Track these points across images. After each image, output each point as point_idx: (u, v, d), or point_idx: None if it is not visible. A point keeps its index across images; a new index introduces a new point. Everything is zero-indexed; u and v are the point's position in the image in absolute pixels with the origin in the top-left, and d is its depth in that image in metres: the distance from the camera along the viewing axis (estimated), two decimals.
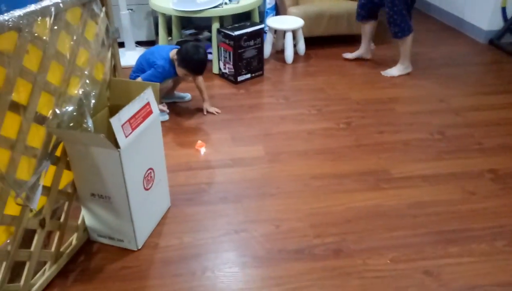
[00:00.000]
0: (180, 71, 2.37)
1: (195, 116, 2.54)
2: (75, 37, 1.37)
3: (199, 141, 1.96)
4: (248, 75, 2.98)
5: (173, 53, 2.39)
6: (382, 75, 3.05)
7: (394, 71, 3.11)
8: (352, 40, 3.58)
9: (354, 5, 3.45)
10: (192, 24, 3.77)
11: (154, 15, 3.48)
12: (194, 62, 2.33)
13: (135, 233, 1.55)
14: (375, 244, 1.64)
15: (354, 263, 1.56)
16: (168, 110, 2.46)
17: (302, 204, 1.84)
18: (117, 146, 1.35)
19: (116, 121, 1.33)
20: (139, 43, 3.45)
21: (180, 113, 2.58)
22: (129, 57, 3.23)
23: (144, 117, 1.49)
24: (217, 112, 2.57)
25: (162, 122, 2.46)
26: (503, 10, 3.50)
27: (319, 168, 2.08)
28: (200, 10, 2.84)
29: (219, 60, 2.99)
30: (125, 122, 1.38)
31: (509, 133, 2.35)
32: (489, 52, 3.46)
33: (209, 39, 3.39)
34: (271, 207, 1.82)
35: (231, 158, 2.15)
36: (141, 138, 1.48)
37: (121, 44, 3.36)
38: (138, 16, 3.42)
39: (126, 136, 1.39)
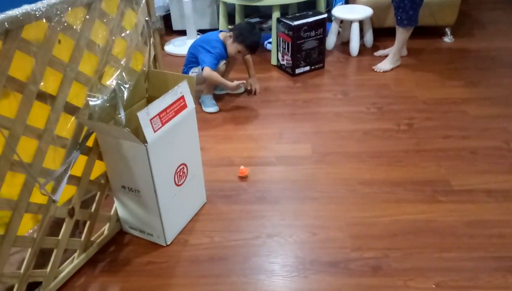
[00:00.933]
0: (233, 48, 2.38)
1: (245, 110, 2.47)
2: (111, 27, 1.36)
3: (242, 167, 1.89)
4: (307, 68, 2.83)
5: (223, 34, 2.43)
6: (456, 73, 2.73)
7: (386, 65, 2.82)
8: (429, 32, 3.26)
9: None
10: (257, 13, 3.68)
11: (217, 3, 3.44)
12: (250, 38, 2.35)
13: (164, 228, 1.52)
14: (420, 265, 1.45)
15: (394, 284, 1.39)
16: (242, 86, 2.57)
17: (345, 211, 1.70)
18: (145, 140, 1.32)
19: (144, 115, 1.30)
20: (202, 32, 3.45)
21: (230, 105, 2.52)
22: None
23: (177, 112, 1.44)
24: (257, 92, 2.61)
25: (211, 113, 2.43)
26: None
27: (370, 172, 1.90)
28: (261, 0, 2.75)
29: (277, 51, 2.88)
30: (155, 117, 1.34)
31: None
32: None
33: None
34: (310, 212, 1.70)
35: (276, 155, 2.05)
36: (173, 133, 1.44)
37: (183, 32, 3.39)
38: (202, 3, 3.41)
39: (155, 131, 1.35)
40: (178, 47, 3.26)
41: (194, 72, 2.45)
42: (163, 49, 3.30)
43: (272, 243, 1.58)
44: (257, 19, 3.62)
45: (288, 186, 1.85)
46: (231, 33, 2.38)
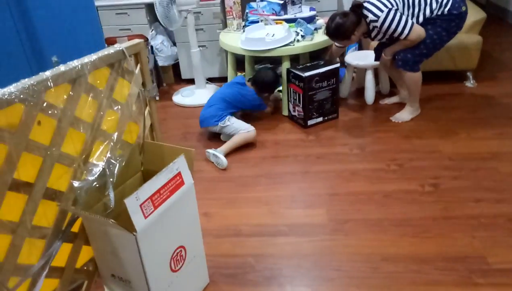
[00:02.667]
0: (261, 95, 2.69)
1: (254, 167, 2.30)
2: (100, 101, 1.23)
3: None
4: (320, 119, 2.68)
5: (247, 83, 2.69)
6: (483, 122, 2.54)
7: (405, 115, 2.64)
8: (449, 77, 3.09)
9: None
10: (267, 59, 3.58)
11: (226, 51, 3.36)
12: (271, 84, 2.68)
13: None
14: None
15: None
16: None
17: None
18: (134, 228, 1.15)
19: (133, 202, 1.14)
20: (211, 80, 3.36)
21: (237, 162, 2.36)
22: (199, 95, 3.13)
23: (173, 191, 1.28)
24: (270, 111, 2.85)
25: (217, 171, 2.27)
26: None
27: (395, 246, 1.69)
28: (270, 50, 2.63)
29: (288, 102, 2.74)
30: (145, 201, 1.18)
31: None
32: None
33: None
34: None
35: (288, 223, 1.87)
36: (168, 215, 1.27)
37: (191, 81, 3.29)
38: (211, 52, 3.33)
39: (146, 217, 1.19)
40: (187, 97, 3.16)
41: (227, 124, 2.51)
42: (171, 99, 3.20)
43: None
44: (267, 65, 3.51)
45: (301, 262, 1.65)
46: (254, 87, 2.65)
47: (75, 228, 1.25)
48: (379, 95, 2.97)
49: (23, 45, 1.69)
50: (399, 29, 2.33)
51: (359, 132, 2.57)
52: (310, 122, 2.64)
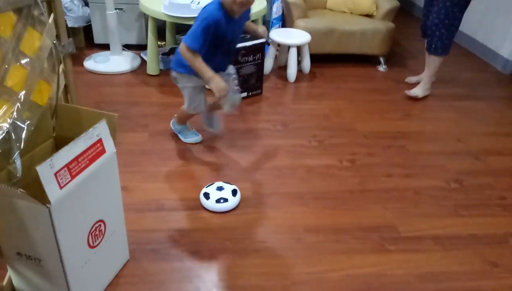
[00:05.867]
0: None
1: (177, 140, 2.20)
2: (4, 52, 1.05)
3: None
4: (245, 94, 2.65)
5: None
6: (393, 104, 2.72)
7: (418, 91, 2.79)
8: (363, 60, 3.25)
9: (369, 22, 3.14)
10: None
11: (146, 17, 3.15)
12: None
13: None
14: None
15: None
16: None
17: (291, 266, 1.51)
18: (48, 200, 1.02)
19: (46, 170, 1.01)
20: (128, 47, 3.13)
21: (158, 134, 2.24)
22: (114, 62, 2.91)
23: (93, 159, 1.16)
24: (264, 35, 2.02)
25: (138, 143, 2.13)
26: None
27: (316, 217, 1.74)
28: (195, 18, 2.51)
29: None
30: (61, 169, 1.05)
31: None
32: None
33: None
34: (252, 269, 1.49)
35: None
36: (87, 185, 1.15)
37: (105, 47, 3.04)
38: (129, 16, 3.10)
39: (62, 187, 1.06)
40: (101, 64, 2.91)
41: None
42: (82, 65, 2.93)
43: None
44: None
45: (226, 236, 1.63)
46: None
47: None
48: (300, 73, 3.02)
49: None
50: None
51: (282, 109, 2.59)
52: None
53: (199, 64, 1.72)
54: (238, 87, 2.07)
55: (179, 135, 2.19)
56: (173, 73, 1.93)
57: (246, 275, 1.46)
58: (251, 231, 1.66)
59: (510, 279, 1.52)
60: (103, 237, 1.29)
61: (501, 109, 2.78)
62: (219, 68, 1.85)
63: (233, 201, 1.74)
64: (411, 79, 3.01)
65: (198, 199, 1.79)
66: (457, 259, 1.58)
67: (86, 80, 2.79)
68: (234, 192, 1.76)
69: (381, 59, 3.25)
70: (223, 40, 1.78)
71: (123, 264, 1.46)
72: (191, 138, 2.18)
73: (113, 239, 1.35)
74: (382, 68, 3.23)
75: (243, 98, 2.65)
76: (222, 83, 1.72)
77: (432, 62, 2.70)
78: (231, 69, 2.02)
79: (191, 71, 1.80)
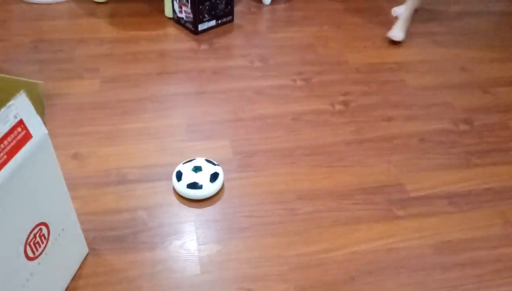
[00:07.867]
0: None
1: (135, 87, 1.82)
2: None
3: None
4: (213, 22, 2.22)
5: None
6: (385, 26, 2.36)
7: (399, 33, 2.40)
8: None
9: None
10: None
11: None
12: None
13: None
14: None
15: None
16: None
17: (286, 246, 1.27)
18: None
19: None
20: None
21: (113, 82, 1.85)
22: None
23: (14, 150, 0.82)
24: None
25: (87, 94, 1.74)
26: None
27: (310, 180, 1.48)
28: None
29: (173, 0, 2.20)
30: None
31: None
32: None
33: None
34: (239, 254, 1.24)
35: (185, 161, 1.52)
36: (13, 184, 0.82)
37: None
38: None
39: None
40: None
41: None
42: None
43: None
44: None
45: (205, 211, 1.35)
46: None
47: None
48: None
49: None
50: None
51: (259, 40, 2.20)
52: (201, 26, 2.18)
53: None
54: None
55: None
56: None
57: (233, 263, 1.22)
58: (235, 203, 1.38)
59: None
60: (46, 243, 0.99)
61: (506, 28, 2.47)
62: None
63: (209, 189, 1.37)
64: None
65: (169, 165, 1.48)
66: (475, 222, 1.37)
67: (20, 13, 2.27)
68: (213, 177, 1.40)
69: None
70: None
71: (81, 260, 1.18)
72: None
73: (61, 241, 1.05)
74: None
75: (211, 28, 2.23)
76: None
77: None
78: None
79: None
